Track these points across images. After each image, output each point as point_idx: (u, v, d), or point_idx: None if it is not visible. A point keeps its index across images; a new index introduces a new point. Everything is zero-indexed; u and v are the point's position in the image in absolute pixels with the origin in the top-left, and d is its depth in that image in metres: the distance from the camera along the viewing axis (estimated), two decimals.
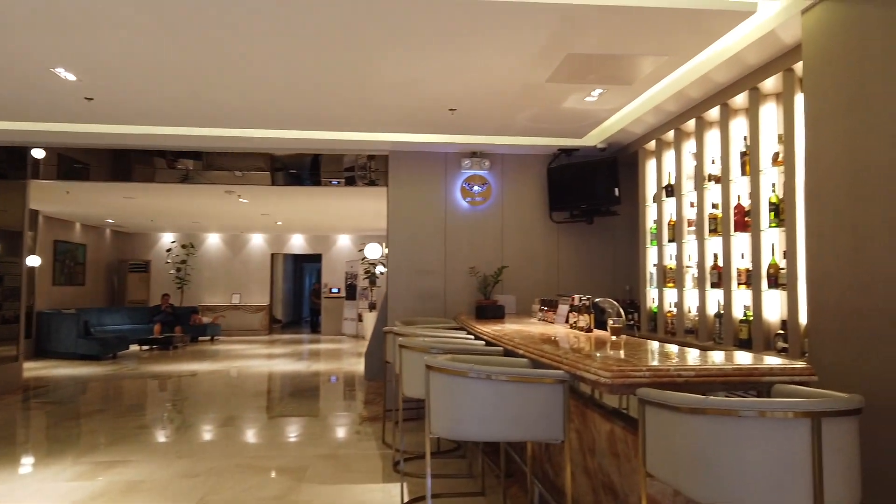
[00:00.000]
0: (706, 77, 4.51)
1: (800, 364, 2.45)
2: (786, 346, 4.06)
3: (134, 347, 13.98)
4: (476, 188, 7.12)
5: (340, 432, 6.19)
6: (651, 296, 6.23)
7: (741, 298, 4.70)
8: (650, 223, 6.27)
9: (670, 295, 5.85)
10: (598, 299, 4.62)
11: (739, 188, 4.75)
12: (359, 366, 11.19)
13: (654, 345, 3.40)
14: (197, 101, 5.44)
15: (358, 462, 5.05)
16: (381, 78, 4.80)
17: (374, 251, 15.17)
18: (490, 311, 5.89)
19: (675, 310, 5.73)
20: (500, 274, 6.80)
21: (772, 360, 2.52)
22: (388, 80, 4.84)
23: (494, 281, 6.83)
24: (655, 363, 2.49)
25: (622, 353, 2.91)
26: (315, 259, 20.48)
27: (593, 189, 6.76)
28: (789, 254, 3.99)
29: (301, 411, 7.40)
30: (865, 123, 2.94)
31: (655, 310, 6.04)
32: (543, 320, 5.34)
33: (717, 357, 2.64)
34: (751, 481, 1.89)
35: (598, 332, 4.11)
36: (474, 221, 7.12)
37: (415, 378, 3.79)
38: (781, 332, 4.23)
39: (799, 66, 3.93)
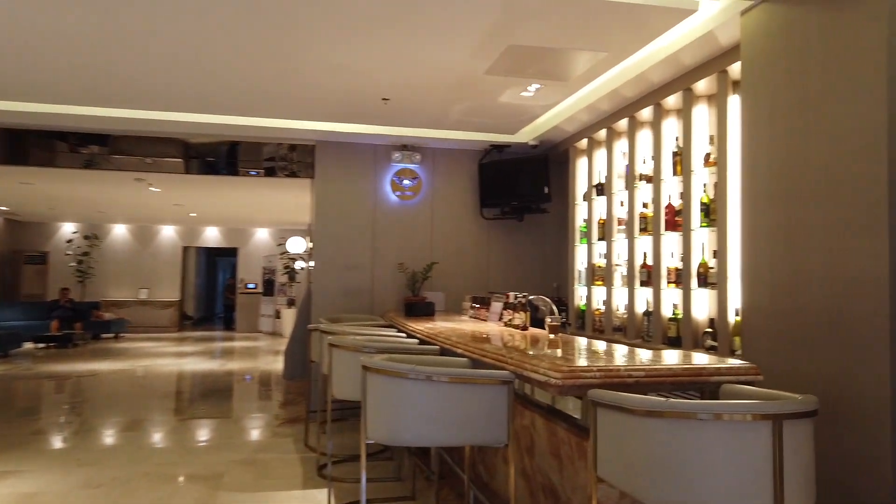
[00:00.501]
0: (642, 76, 4.52)
1: (746, 364, 2.43)
2: (715, 344, 4.12)
3: (28, 345, 12.93)
4: (406, 182, 6.94)
5: (259, 435, 5.87)
6: (579, 294, 6.25)
7: (670, 297, 4.76)
8: (580, 221, 6.29)
9: (599, 293, 5.89)
10: (531, 297, 4.56)
11: (670, 188, 4.80)
12: (276, 364, 10.77)
13: (599, 344, 3.34)
14: (99, 78, 4.97)
15: (279, 467, 4.77)
16: (309, 62, 4.54)
17: (297, 245, 14.68)
18: (420, 308, 5.73)
19: (603, 308, 5.76)
20: (429, 270, 6.66)
21: (715, 360, 2.49)
22: (318, 64, 4.58)
23: (423, 277, 6.67)
24: (604, 363, 2.40)
25: (565, 353, 2.82)
26: (230, 253, 19.68)
27: (524, 186, 6.73)
28: (720, 253, 4.05)
29: (215, 413, 7.00)
30: (804, 125, 2.97)
31: (584, 308, 6.06)
32: (475, 318, 5.23)
33: (666, 357, 2.59)
34: (710, 485, 1.82)
35: (534, 331, 4.03)
36: (404, 216, 6.94)
37: (346, 379, 3.58)
38: (709, 330, 4.30)
39: (733, 68, 3.99)
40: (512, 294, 4.42)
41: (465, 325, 4.61)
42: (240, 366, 10.87)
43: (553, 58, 4.26)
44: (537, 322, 4.34)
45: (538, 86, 4.88)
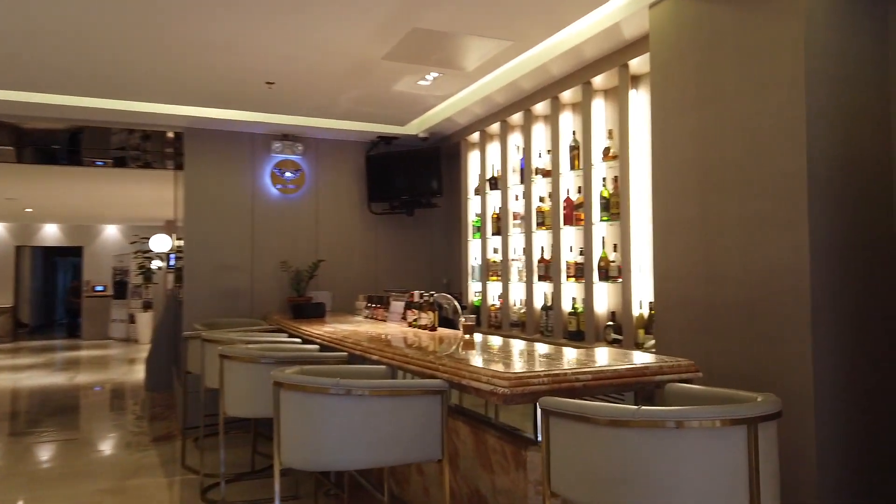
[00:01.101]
0: (542, 68, 4.46)
1: (686, 361, 2.38)
2: (619, 337, 4.15)
3: None
4: (288, 174, 6.47)
5: (126, 458, 5.20)
6: (473, 289, 6.15)
7: (569, 291, 4.76)
8: (472, 216, 6.19)
9: (494, 288, 5.82)
10: (434, 295, 4.36)
11: (568, 182, 4.80)
12: (135, 375, 9.78)
13: (516, 343, 3.20)
14: None
15: (156, 493, 4.22)
16: (183, 36, 4.02)
17: (161, 244, 13.42)
18: (309, 310, 5.35)
19: (499, 303, 5.70)
20: (315, 268, 6.26)
21: (655, 359, 2.42)
22: (193, 39, 4.07)
23: (309, 276, 6.26)
24: (547, 368, 2.24)
25: (494, 356, 2.64)
26: (73, 252, 17.77)
27: (415, 180, 6.51)
28: (622, 247, 4.07)
29: (68, 434, 6.15)
30: (717, 119, 3.00)
31: (478, 303, 5.97)
32: (372, 318, 4.95)
33: (604, 357, 2.48)
34: (683, 495, 1.71)
35: (443, 331, 3.83)
36: (286, 211, 6.48)
37: (242, 394, 3.19)
38: (611, 323, 4.33)
39: (634, 63, 4.02)
40: (417, 292, 4.19)
41: (364, 326, 4.32)
42: (91, 378, 9.76)
43: (457, 44, 4.07)
44: (443, 321, 4.16)
45: (437, 74, 4.68)
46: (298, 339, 3.99)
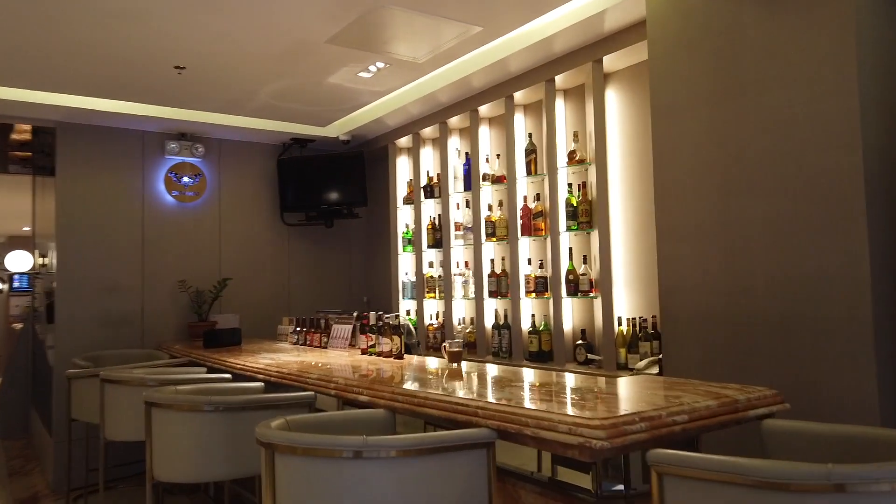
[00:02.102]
0: (501, 64, 4.05)
1: (768, 391, 2.01)
2: (596, 357, 3.79)
3: None
4: (186, 180, 5.58)
5: None
6: (404, 308, 5.60)
7: (527, 308, 4.36)
8: (402, 227, 5.65)
9: (431, 306, 5.30)
10: (386, 315, 3.78)
11: (523, 189, 4.41)
12: None
13: (527, 373, 2.72)
14: None
15: None
16: (70, 5, 3.19)
17: (20, 262, 11.49)
18: (223, 337, 4.53)
19: (436, 322, 5.19)
20: (222, 288, 5.42)
21: (738, 389, 2.03)
22: (84, 10, 3.24)
23: (213, 297, 5.42)
24: (635, 408, 1.78)
25: (515, 390, 2.15)
26: None
27: (335, 187, 5.86)
28: (601, 258, 3.72)
29: None
30: (739, 113, 2.72)
31: (414, 322, 5.41)
32: (305, 344, 4.26)
33: (686, 391, 2.06)
34: None
35: (413, 359, 3.27)
36: (184, 222, 5.58)
37: (183, 452, 2.45)
38: (581, 342, 3.97)
39: (610, 58, 3.72)
40: (373, 313, 3.59)
41: (307, 356, 3.65)
42: None
43: (418, 28, 3.55)
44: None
45: (383, 65, 4.12)
46: (228, 375, 3.26)
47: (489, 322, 4.62)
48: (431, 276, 5.28)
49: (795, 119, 2.54)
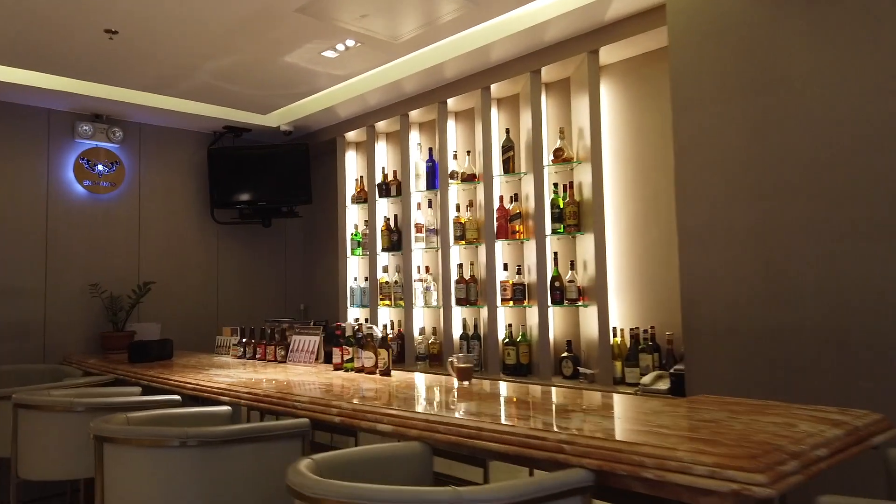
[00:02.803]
0: (483, 51, 3.72)
1: (877, 415, 1.77)
2: (586, 371, 3.50)
3: None
4: (101, 168, 4.84)
5: None
6: (353, 315, 5.12)
7: (501, 318, 4.03)
8: (351, 228, 5.17)
9: (385, 315, 4.86)
10: (343, 324, 3.33)
11: (497, 189, 4.09)
12: None
13: (555, 392, 2.38)
14: None
15: None
16: None
17: None
18: (153, 350, 3.88)
19: (392, 332, 4.75)
20: (143, 293, 4.72)
21: (856, 415, 1.78)
22: None
23: (133, 304, 4.71)
24: (774, 442, 1.48)
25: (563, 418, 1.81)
26: None
27: (276, 183, 5.29)
28: (598, 263, 3.45)
29: None
30: (782, 106, 2.52)
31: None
32: (254, 358, 3.71)
33: (790, 416, 1.77)
34: None
35: (403, 376, 2.85)
36: (98, 216, 4.82)
37: (140, 499, 1.92)
38: (567, 354, 3.68)
39: (606, 50, 3.47)
40: (348, 323, 3.13)
41: (268, 371, 3.12)
42: None
43: (407, 1, 3.15)
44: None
45: (353, 44, 3.67)
46: (176, 397, 2.70)
47: (457, 332, 4.25)
48: (386, 282, 4.84)
49: (844, 116, 2.36)
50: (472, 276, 4.26)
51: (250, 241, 5.59)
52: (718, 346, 2.65)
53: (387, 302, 4.80)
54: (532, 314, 3.86)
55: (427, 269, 4.60)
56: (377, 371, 2.89)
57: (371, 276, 4.84)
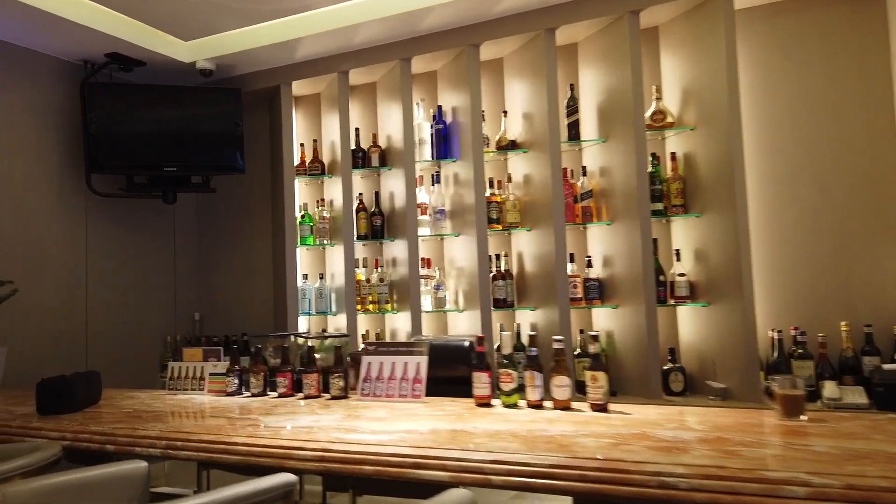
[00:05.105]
0: None
1: None
2: (719, 385, 2.81)
3: None
4: None
5: None
6: (303, 326, 3.81)
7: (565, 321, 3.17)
8: (299, 208, 3.86)
9: (366, 322, 3.68)
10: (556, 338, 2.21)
11: (552, 161, 3.23)
12: None
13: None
14: None
15: None
16: None
17: None
18: (79, 389, 2.26)
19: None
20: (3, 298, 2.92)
21: None
22: None
23: None
24: None
25: None
26: None
27: (194, 142, 3.73)
28: (742, 249, 2.76)
29: None
30: None
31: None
32: (264, 394, 2.35)
33: None
34: None
35: (636, 415, 1.88)
36: None
37: None
38: (673, 365, 2.97)
39: None
40: (520, 334, 2.04)
41: (394, 414, 1.88)
42: None
43: None
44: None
45: None
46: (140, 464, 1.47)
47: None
48: (368, 280, 3.66)
49: None
50: (507, 270, 3.34)
51: (135, 224, 3.91)
52: None
53: (372, 306, 3.62)
54: (605, 316, 3.09)
55: (427, 262, 3.56)
56: (572, 405, 1.87)
57: (347, 273, 3.60)
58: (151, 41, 3.53)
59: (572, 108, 3.23)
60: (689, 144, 3.00)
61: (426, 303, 3.48)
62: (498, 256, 3.36)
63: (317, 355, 2.45)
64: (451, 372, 2.27)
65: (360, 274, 3.67)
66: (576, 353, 3.09)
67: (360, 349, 2.50)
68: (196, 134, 3.71)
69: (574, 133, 3.22)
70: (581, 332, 3.16)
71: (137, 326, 3.85)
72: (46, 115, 3.49)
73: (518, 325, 3.30)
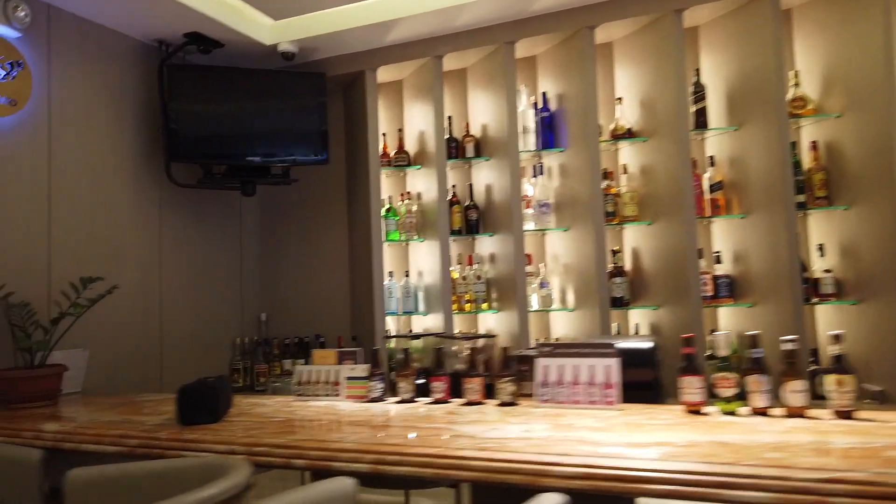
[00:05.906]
0: None
1: None
2: (874, 388, 2.63)
3: None
4: None
5: None
6: (390, 327, 3.59)
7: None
8: (382, 203, 3.62)
9: (457, 323, 3.46)
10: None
11: (675, 150, 3.04)
12: None
13: None
14: None
15: None
16: None
17: None
18: (222, 396, 2.01)
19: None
20: (96, 300, 2.64)
21: None
22: None
23: (61, 314, 2.60)
24: None
25: None
26: None
27: (276, 129, 3.49)
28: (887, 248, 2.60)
29: None
30: None
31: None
32: (413, 400, 2.12)
33: None
34: None
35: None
36: None
37: None
38: (815, 367, 2.78)
39: None
40: (723, 334, 1.84)
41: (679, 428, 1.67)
42: None
43: None
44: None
45: None
46: None
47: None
48: (464, 278, 3.43)
49: None
50: (622, 267, 3.15)
51: (201, 218, 3.65)
52: None
53: (468, 306, 3.40)
54: (734, 315, 2.91)
55: (529, 258, 3.35)
56: (806, 413, 1.67)
57: (443, 270, 3.36)
58: (235, 19, 3.28)
59: (699, 94, 3.04)
60: (832, 133, 2.82)
61: (532, 301, 3.27)
62: (614, 252, 3.15)
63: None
64: (632, 376, 2.06)
65: (454, 271, 3.45)
66: (707, 353, 2.89)
67: (519, 351, 2.28)
68: (280, 121, 3.47)
69: (701, 121, 3.03)
70: (789, 337, 2.97)
71: (207, 326, 3.60)
72: (123, 99, 3.22)
73: (637, 324, 3.11)
